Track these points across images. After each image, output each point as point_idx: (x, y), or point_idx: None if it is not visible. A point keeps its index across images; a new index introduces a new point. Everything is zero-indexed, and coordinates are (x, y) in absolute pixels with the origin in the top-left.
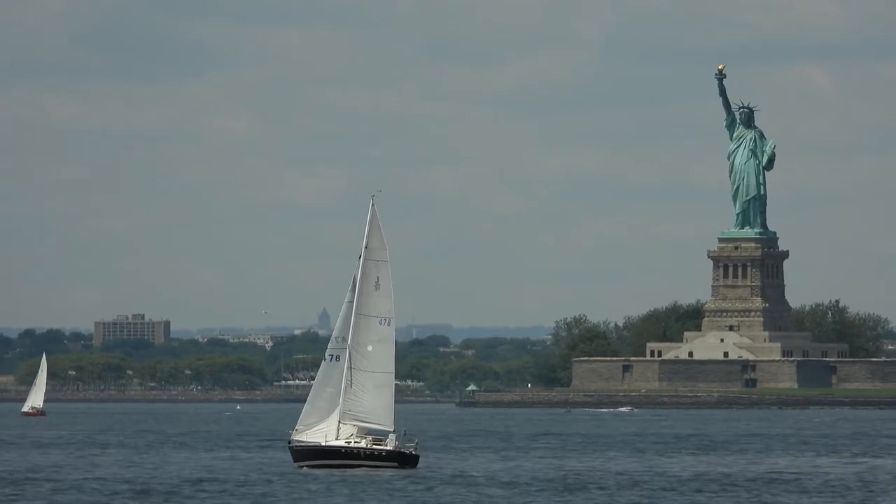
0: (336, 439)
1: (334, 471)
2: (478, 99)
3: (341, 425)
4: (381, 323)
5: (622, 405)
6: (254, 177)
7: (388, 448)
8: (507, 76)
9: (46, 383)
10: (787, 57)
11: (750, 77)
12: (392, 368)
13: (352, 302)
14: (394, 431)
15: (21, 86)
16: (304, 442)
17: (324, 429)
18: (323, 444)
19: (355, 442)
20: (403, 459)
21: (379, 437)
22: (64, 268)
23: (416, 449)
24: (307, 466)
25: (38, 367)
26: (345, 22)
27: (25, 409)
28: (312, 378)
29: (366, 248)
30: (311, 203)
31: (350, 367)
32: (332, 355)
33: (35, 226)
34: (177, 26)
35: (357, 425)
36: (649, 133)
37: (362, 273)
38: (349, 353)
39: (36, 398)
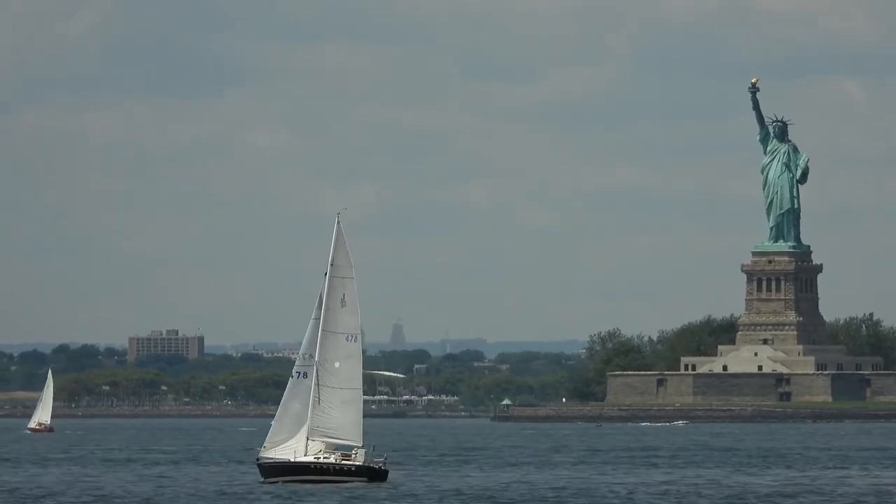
0: (305, 455)
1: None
2: (513, 113)
3: (310, 441)
4: (347, 339)
5: (658, 420)
6: (289, 191)
7: (357, 463)
8: (542, 90)
9: (83, 399)
10: (821, 70)
11: (785, 90)
12: (359, 384)
13: (318, 319)
14: (363, 446)
15: (59, 102)
16: (272, 458)
17: (292, 445)
18: (292, 460)
19: (324, 457)
20: (373, 474)
21: (347, 452)
22: (98, 283)
23: (384, 464)
24: (280, 482)
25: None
26: (380, 37)
27: (32, 424)
28: None
29: (332, 265)
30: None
31: (318, 384)
32: (299, 372)
33: (70, 242)
34: (212, 41)
35: (326, 441)
36: (683, 147)
37: (328, 290)
38: (316, 370)
39: (43, 414)
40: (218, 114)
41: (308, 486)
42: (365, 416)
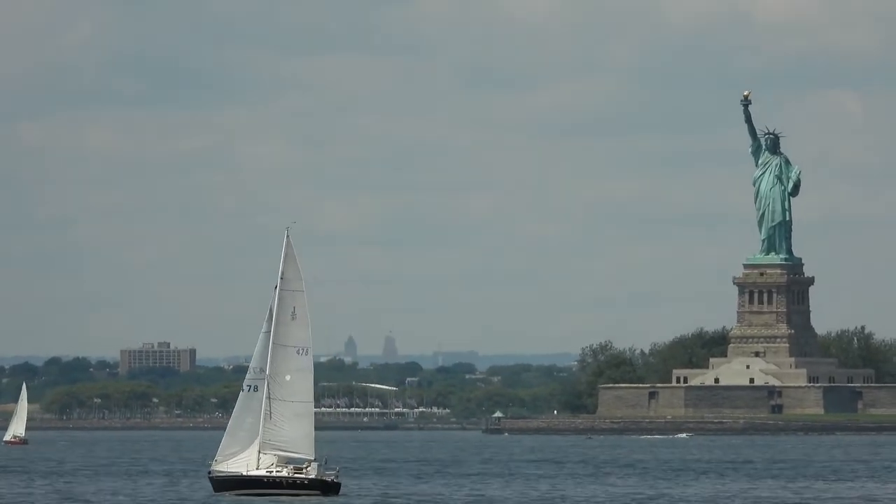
0: (257, 469)
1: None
2: (510, 124)
3: (262, 455)
4: (298, 353)
5: (648, 432)
6: (286, 203)
7: (309, 476)
8: (541, 102)
9: (74, 411)
10: (817, 82)
11: (780, 102)
12: (311, 397)
13: (268, 332)
14: (315, 460)
15: (56, 113)
16: (224, 472)
17: (244, 458)
18: (244, 473)
19: (276, 471)
20: (325, 487)
21: (300, 465)
22: (90, 296)
23: (337, 476)
24: (232, 496)
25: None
26: (379, 49)
27: (7, 437)
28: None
29: (282, 278)
30: (343, 229)
31: (269, 398)
32: (249, 385)
33: (62, 254)
34: (211, 53)
35: (278, 454)
36: (675, 159)
37: (279, 303)
38: (267, 384)
39: (17, 427)
40: (215, 126)
41: (260, 499)
42: (357, 428)
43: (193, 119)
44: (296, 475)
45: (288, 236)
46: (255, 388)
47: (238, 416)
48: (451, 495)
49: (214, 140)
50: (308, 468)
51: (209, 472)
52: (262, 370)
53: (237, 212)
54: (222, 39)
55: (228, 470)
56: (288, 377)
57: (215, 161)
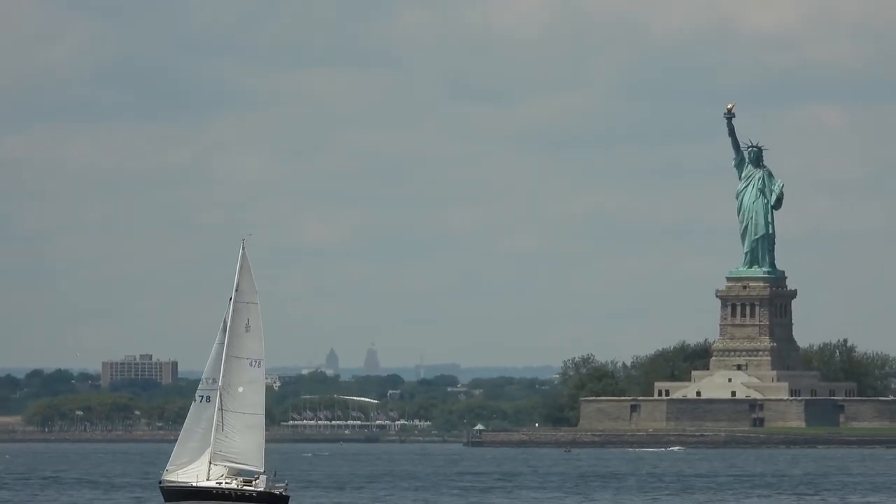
0: (207, 480)
1: None
2: (494, 138)
3: (212, 466)
4: (251, 364)
5: (630, 445)
6: (269, 217)
7: (258, 489)
8: (525, 115)
9: (56, 423)
10: (800, 96)
11: (763, 116)
12: (262, 410)
13: (222, 344)
14: (264, 472)
15: (39, 127)
16: (175, 482)
17: (195, 469)
18: (194, 484)
19: (226, 483)
20: (273, 500)
21: (249, 477)
22: (72, 308)
23: (285, 489)
24: None
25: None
26: (363, 61)
27: None
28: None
29: (236, 290)
30: (325, 243)
31: (221, 409)
32: (202, 396)
33: (44, 266)
34: (195, 67)
35: (228, 466)
36: (658, 173)
37: (233, 315)
38: (220, 395)
39: None
40: (199, 139)
41: None
42: (339, 440)
43: (176, 132)
44: (245, 487)
45: (243, 248)
46: (208, 399)
47: (190, 427)
48: None
49: (196, 153)
50: (257, 480)
51: (160, 482)
52: (215, 381)
53: (219, 225)
54: (205, 53)
55: (179, 480)
56: (240, 389)
57: (197, 174)
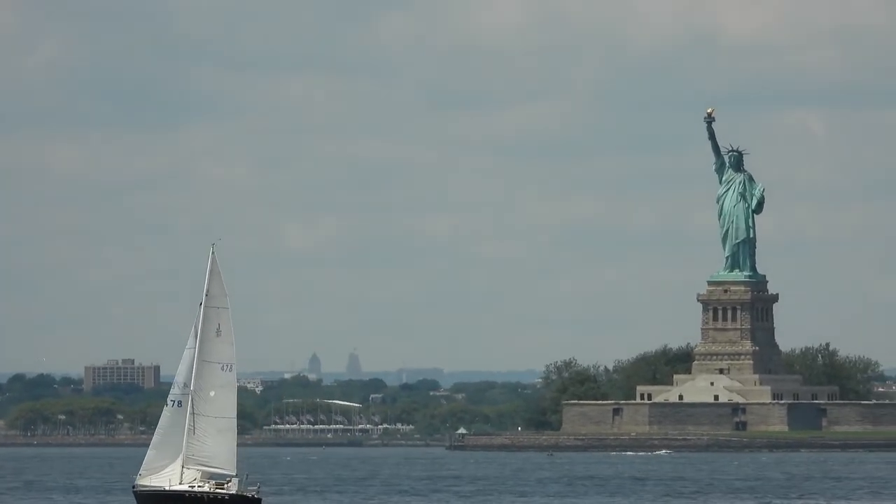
0: (180, 483)
1: None
2: (473, 145)
3: (185, 469)
4: (223, 369)
5: (612, 449)
6: (250, 224)
7: (231, 492)
8: (503, 123)
9: (38, 428)
10: (780, 101)
11: (743, 121)
12: (234, 414)
13: (193, 348)
14: (237, 475)
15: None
16: (148, 486)
17: (168, 473)
18: (167, 488)
19: (199, 486)
20: (246, 503)
21: (221, 481)
22: (54, 313)
23: (258, 493)
24: None
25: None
26: (341, 69)
27: None
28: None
29: (207, 295)
30: (306, 249)
31: (193, 413)
32: (174, 401)
33: (26, 271)
34: (173, 74)
35: (200, 470)
36: (639, 179)
37: (204, 320)
38: (192, 399)
39: None
40: (177, 147)
41: None
42: (321, 444)
43: (154, 139)
44: (217, 490)
45: (213, 253)
46: (180, 404)
47: (162, 431)
48: None
49: (174, 160)
50: (229, 484)
51: (133, 486)
52: (187, 385)
53: (198, 232)
54: (183, 61)
55: (152, 484)
56: (212, 393)
57: (175, 181)
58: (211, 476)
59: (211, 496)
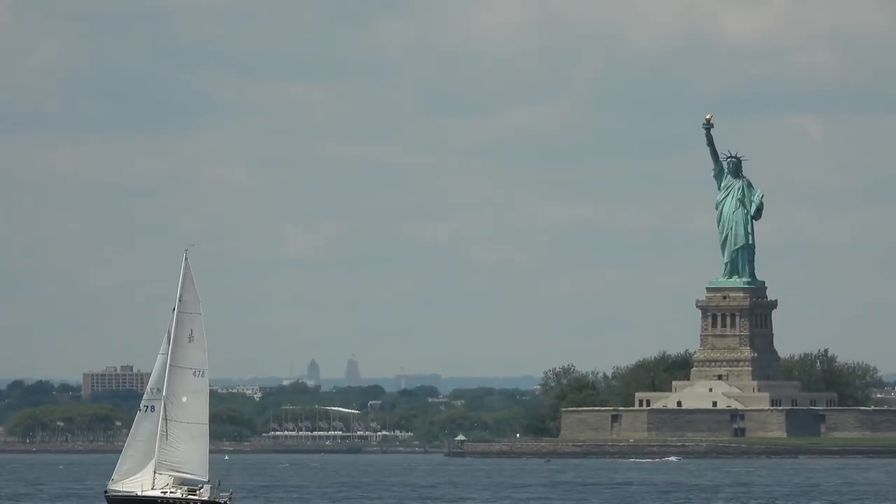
0: (152, 489)
1: None
2: (471, 149)
3: (157, 475)
4: (195, 375)
5: (610, 455)
6: (250, 228)
7: (203, 498)
8: (502, 126)
9: (37, 434)
10: (779, 104)
11: (742, 124)
12: (206, 419)
13: (166, 354)
14: (208, 481)
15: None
16: (120, 491)
17: (140, 478)
18: (139, 493)
19: (171, 492)
20: None
21: (194, 486)
22: (53, 319)
23: (230, 499)
24: None
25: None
26: (340, 73)
27: None
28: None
29: (179, 300)
30: (305, 253)
31: (165, 418)
32: (146, 406)
33: (24, 277)
34: (175, 76)
35: (173, 475)
36: (637, 184)
37: (176, 326)
38: (164, 405)
39: None
40: (177, 150)
41: None
42: (320, 451)
43: (154, 142)
44: (189, 496)
45: (186, 259)
46: (152, 409)
47: (135, 437)
48: None
49: (175, 164)
50: (202, 489)
51: (105, 491)
52: (160, 391)
53: (198, 236)
54: (183, 63)
55: (124, 489)
56: (184, 399)
57: (176, 185)
58: (183, 482)
59: (183, 502)
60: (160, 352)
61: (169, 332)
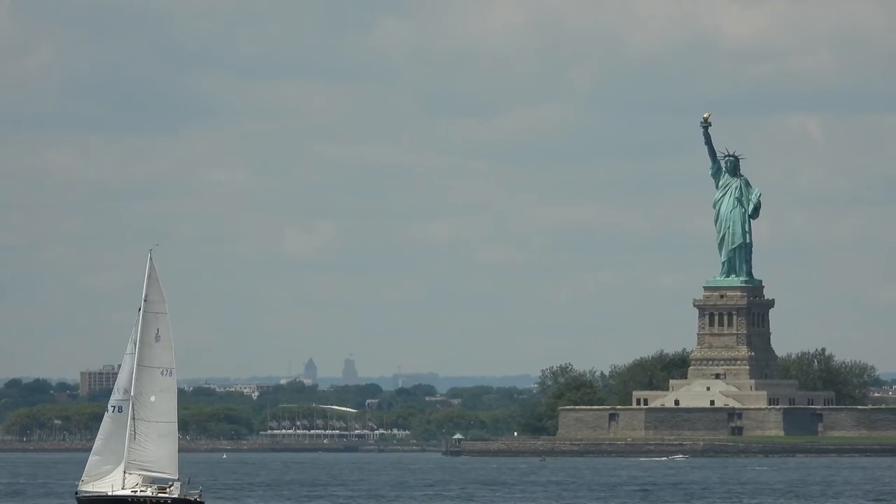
0: (122, 488)
1: None
2: (470, 150)
3: (127, 475)
4: (162, 374)
5: (608, 454)
6: (248, 229)
7: (173, 496)
8: (501, 127)
9: (34, 433)
10: (779, 105)
11: (742, 125)
12: (175, 418)
13: (133, 354)
14: (178, 479)
15: (17, 138)
16: (90, 492)
17: (110, 479)
18: (110, 493)
19: (141, 491)
20: None
21: (163, 485)
22: (50, 318)
23: (200, 496)
24: None
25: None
26: (340, 74)
27: None
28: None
29: (145, 300)
30: (303, 254)
31: (134, 418)
32: (114, 406)
33: (22, 277)
34: (174, 78)
35: (142, 474)
36: (636, 183)
37: (143, 325)
38: (132, 404)
39: None
40: (176, 151)
41: None
42: (317, 450)
43: (152, 144)
44: (159, 495)
45: (151, 259)
46: (120, 409)
47: (103, 437)
48: None
49: (174, 165)
50: (171, 488)
51: (76, 492)
52: (127, 391)
53: (196, 237)
54: (183, 64)
55: (94, 490)
56: (152, 398)
57: (175, 186)
58: (153, 480)
59: (154, 500)
60: (126, 352)
61: (135, 333)
